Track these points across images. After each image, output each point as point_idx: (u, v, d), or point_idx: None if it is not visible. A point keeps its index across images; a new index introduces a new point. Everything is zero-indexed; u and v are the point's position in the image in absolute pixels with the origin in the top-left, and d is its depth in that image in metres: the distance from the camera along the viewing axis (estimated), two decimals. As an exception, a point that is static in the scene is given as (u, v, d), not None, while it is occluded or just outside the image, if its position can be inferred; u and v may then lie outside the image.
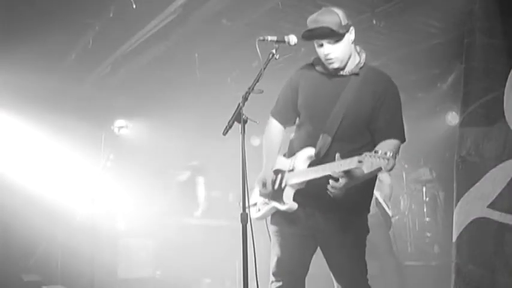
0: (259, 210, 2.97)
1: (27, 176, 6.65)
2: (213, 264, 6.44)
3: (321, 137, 2.76)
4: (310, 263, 2.94)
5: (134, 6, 4.77)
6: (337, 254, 2.84)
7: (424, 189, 7.16)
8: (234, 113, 2.53)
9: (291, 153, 2.93)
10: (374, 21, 5.19)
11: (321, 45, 2.75)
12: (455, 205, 3.22)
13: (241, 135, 2.51)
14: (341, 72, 2.83)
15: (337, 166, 2.49)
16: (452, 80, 6.88)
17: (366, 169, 2.37)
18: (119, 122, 7.36)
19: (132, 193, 7.15)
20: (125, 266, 6.85)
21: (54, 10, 5.05)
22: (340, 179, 2.51)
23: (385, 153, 2.31)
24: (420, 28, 5.82)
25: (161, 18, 5.24)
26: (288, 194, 2.81)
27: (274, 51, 2.70)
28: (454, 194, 3.24)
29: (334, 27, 2.68)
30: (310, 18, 2.74)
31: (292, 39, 2.73)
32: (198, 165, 7.08)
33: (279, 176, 2.86)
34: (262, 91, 2.59)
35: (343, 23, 2.72)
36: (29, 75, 6.32)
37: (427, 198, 7.12)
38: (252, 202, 3.04)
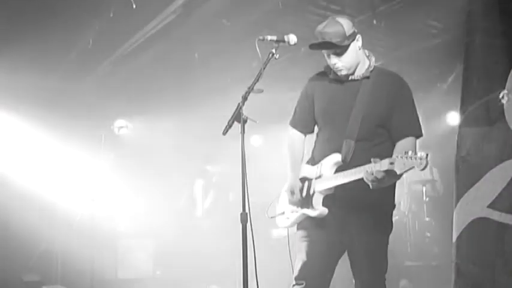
0: (288, 218, 3.03)
1: (27, 176, 6.65)
2: (213, 264, 6.44)
3: (344, 142, 2.84)
4: (335, 268, 2.99)
5: (134, 6, 4.77)
6: (362, 253, 2.89)
7: (424, 189, 7.16)
8: (234, 113, 2.53)
9: (314, 160, 3.00)
10: (374, 21, 5.20)
11: (328, 55, 2.86)
12: (455, 205, 3.22)
13: (241, 135, 2.51)
14: (352, 77, 2.91)
15: (369, 168, 2.57)
16: (452, 80, 6.88)
17: (399, 170, 2.47)
18: (119, 122, 7.36)
19: (132, 193, 7.15)
20: (125, 266, 6.85)
21: (54, 10, 5.05)
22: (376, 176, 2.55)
23: (416, 154, 2.43)
24: (420, 28, 5.82)
25: (161, 18, 5.25)
26: (318, 200, 2.88)
27: (274, 50, 2.70)
28: (454, 194, 3.23)
29: (338, 40, 2.76)
30: (317, 29, 2.83)
31: (292, 38, 2.73)
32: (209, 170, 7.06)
33: (306, 183, 2.94)
34: (262, 90, 2.60)
35: (347, 33, 2.79)
36: (29, 75, 6.32)
37: (427, 198, 7.11)
38: (279, 211, 3.11)
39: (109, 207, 6.67)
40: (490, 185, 3.10)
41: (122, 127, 7.22)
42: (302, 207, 2.92)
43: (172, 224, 7.01)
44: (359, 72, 2.91)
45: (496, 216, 3.04)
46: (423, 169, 2.45)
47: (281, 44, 2.72)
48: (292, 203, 2.99)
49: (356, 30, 2.86)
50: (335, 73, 2.93)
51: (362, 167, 2.63)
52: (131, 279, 6.79)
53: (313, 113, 3.03)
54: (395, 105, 2.86)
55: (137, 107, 7.61)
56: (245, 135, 2.54)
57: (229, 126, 2.54)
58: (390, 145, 2.89)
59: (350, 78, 2.91)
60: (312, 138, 3.14)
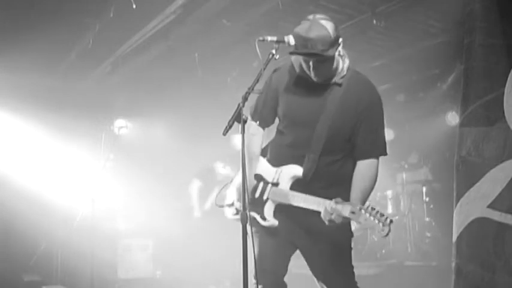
0: (236, 213, 2.91)
1: (27, 175, 6.65)
2: (213, 264, 6.44)
3: (307, 157, 2.73)
4: (288, 265, 2.92)
5: (134, 6, 4.77)
6: (321, 263, 2.83)
7: (424, 189, 7.16)
8: (234, 113, 2.52)
9: (271, 159, 2.90)
10: (374, 22, 5.20)
11: (306, 60, 2.68)
12: (455, 205, 3.22)
13: (241, 135, 2.51)
14: (324, 82, 2.76)
15: (330, 208, 2.53)
16: (452, 80, 6.88)
17: (357, 222, 2.46)
18: (119, 122, 7.35)
19: (132, 193, 7.15)
20: (125, 266, 6.85)
21: (54, 10, 5.06)
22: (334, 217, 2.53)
23: (383, 215, 2.39)
24: (420, 28, 5.82)
25: (161, 18, 5.25)
26: (270, 210, 2.79)
27: (274, 51, 2.68)
28: (454, 194, 3.23)
29: (323, 48, 2.57)
30: (299, 32, 2.60)
31: (292, 39, 2.72)
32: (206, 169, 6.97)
33: (261, 185, 2.85)
34: (262, 91, 2.59)
35: (332, 37, 2.60)
36: (29, 75, 6.33)
37: (427, 198, 7.12)
38: (228, 201, 3.00)
39: (109, 207, 6.67)
40: (490, 185, 3.10)
41: (122, 127, 7.20)
42: (252, 209, 2.77)
43: (172, 224, 7.00)
44: (332, 78, 2.75)
45: (496, 216, 3.04)
46: (385, 235, 2.41)
47: (281, 44, 2.70)
48: (238, 200, 2.88)
49: (338, 33, 2.67)
50: (306, 73, 2.75)
51: (322, 201, 2.58)
52: (131, 279, 6.78)
53: (275, 108, 2.89)
54: (363, 120, 2.71)
55: (137, 107, 7.62)
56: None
57: (230, 126, 2.52)
58: (351, 161, 2.78)
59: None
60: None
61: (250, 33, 5.56)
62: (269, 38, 2.67)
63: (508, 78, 3.14)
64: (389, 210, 7.07)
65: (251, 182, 2.86)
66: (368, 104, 2.74)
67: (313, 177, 2.73)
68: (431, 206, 7.09)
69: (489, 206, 3.08)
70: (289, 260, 2.92)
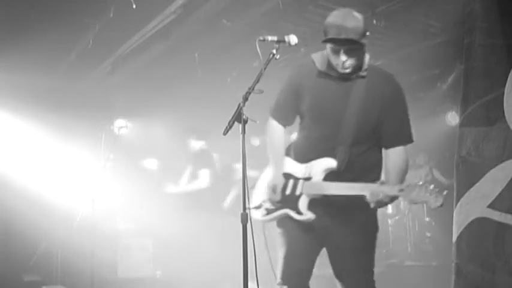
0: (267, 213, 2.90)
1: (27, 175, 6.65)
2: (213, 264, 6.44)
3: (339, 149, 2.75)
4: (313, 268, 2.92)
5: (134, 6, 4.77)
6: (347, 256, 2.82)
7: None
8: (235, 113, 2.52)
9: (299, 157, 2.89)
10: (374, 21, 5.20)
11: (337, 50, 2.69)
12: (455, 205, 3.23)
13: (241, 135, 2.51)
14: (348, 76, 2.77)
15: (377, 189, 2.56)
16: (452, 80, 6.89)
17: (409, 200, 2.52)
18: (119, 122, 7.35)
19: (132, 193, 7.15)
20: (125, 266, 6.85)
21: (54, 10, 5.05)
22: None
23: (435, 188, 2.47)
24: (420, 28, 5.82)
25: (161, 18, 5.25)
26: (304, 204, 2.78)
27: (274, 51, 2.68)
28: (454, 194, 3.24)
29: (357, 37, 2.63)
30: (333, 21, 2.65)
31: (293, 39, 2.71)
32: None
33: (291, 182, 2.84)
34: (263, 91, 2.58)
35: (363, 27, 2.67)
36: (29, 75, 6.33)
37: (427, 198, 7.11)
38: (255, 203, 2.98)
39: (109, 207, 6.67)
40: (490, 185, 3.10)
41: (122, 127, 7.20)
42: (285, 206, 2.81)
43: (172, 223, 7.00)
44: (356, 72, 2.77)
45: (496, 216, 3.05)
46: (440, 206, 2.49)
47: (281, 44, 2.70)
48: (272, 200, 2.86)
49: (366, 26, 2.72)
50: (330, 68, 2.77)
51: (365, 185, 2.61)
52: (131, 279, 6.78)
53: (296, 106, 2.89)
54: (389, 111, 2.76)
55: (137, 107, 7.62)
56: (245, 135, 2.53)
57: (230, 126, 2.52)
58: (378, 150, 2.85)
59: (342, 76, 2.76)
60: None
61: (250, 33, 5.56)
62: (270, 38, 2.67)
63: (508, 78, 3.15)
64: (390, 210, 7.07)
65: (280, 180, 2.85)
66: (392, 95, 2.79)
67: (346, 168, 2.74)
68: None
69: (489, 206, 3.09)
70: (315, 262, 2.92)
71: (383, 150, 2.86)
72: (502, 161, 3.09)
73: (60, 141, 6.84)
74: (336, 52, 2.69)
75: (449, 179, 7.14)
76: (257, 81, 2.61)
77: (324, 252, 2.95)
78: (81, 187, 6.32)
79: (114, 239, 6.90)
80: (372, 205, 2.59)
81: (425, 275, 5.68)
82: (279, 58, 2.65)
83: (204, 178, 6.18)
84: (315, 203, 2.77)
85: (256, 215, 2.93)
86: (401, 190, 2.50)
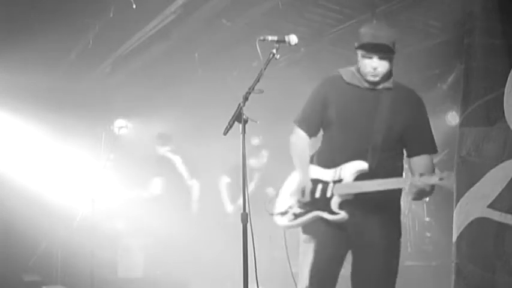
0: (294, 218, 2.98)
1: (27, 175, 6.65)
2: (214, 264, 6.44)
3: (370, 152, 2.87)
4: (340, 272, 2.99)
5: (134, 6, 4.77)
6: (374, 256, 2.88)
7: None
8: (235, 113, 2.52)
9: (324, 163, 2.99)
10: (374, 21, 5.20)
11: (370, 57, 2.86)
12: (455, 205, 3.22)
13: (241, 135, 2.51)
14: (375, 87, 2.93)
15: (417, 180, 2.68)
16: (452, 80, 6.87)
17: (450, 185, 2.69)
18: (119, 122, 7.34)
19: (132, 193, 7.14)
20: (125, 266, 6.84)
21: (54, 10, 5.06)
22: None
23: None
24: (420, 28, 5.82)
25: (161, 18, 5.25)
26: (336, 204, 2.87)
27: (274, 51, 2.68)
28: (454, 194, 3.24)
29: (391, 45, 2.87)
30: (366, 31, 2.87)
31: (293, 39, 2.72)
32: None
33: (320, 185, 2.92)
34: (263, 91, 2.59)
35: (394, 39, 2.91)
36: (29, 75, 6.33)
37: (427, 198, 7.11)
38: (280, 210, 3.06)
39: (109, 207, 6.67)
40: (490, 185, 3.10)
41: (121, 127, 7.20)
42: (316, 209, 2.90)
43: (172, 223, 7.00)
44: (383, 82, 2.93)
45: (496, 216, 3.05)
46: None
47: (281, 44, 2.71)
48: (301, 204, 2.95)
49: None
50: (356, 79, 2.94)
51: (402, 178, 2.82)
52: (131, 279, 6.78)
53: (322, 116, 3.01)
54: (413, 123, 2.93)
55: (137, 107, 7.61)
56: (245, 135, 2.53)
57: (230, 126, 2.53)
58: (400, 158, 3.00)
59: (372, 87, 2.93)
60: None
61: (250, 33, 5.56)
62: (270, 38, 2.68)
63: (508, 78, 3.15)
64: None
65: (308, 183, 2.95)
66: (417, 107, 2.99)
67: (376, 169, 2.85)
68: (432, 206, 7.09)
69: (489, 206, 3.09)
70: (341, 266, 3.00)
71: (408, 158, 3.01)
72: (502, 161, 3.08)
73: (60, 141, 6.84)
74: (368, 58, 2.87)
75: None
76: (257, 81, 2.62)
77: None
78: (81, 187, 6.32)
79: (114, 239, 6.90)
80: (412, 196, 2.73)
81: (425, 275, 5.67)
82: (279, 58, 2.65)
83: (156, 186, 6.65)
84: (347, 203, 2.87)
85: (282, 221, 3.03)
86: (441, 179, 2.60)
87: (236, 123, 2.52)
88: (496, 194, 3.07)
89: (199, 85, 7.14)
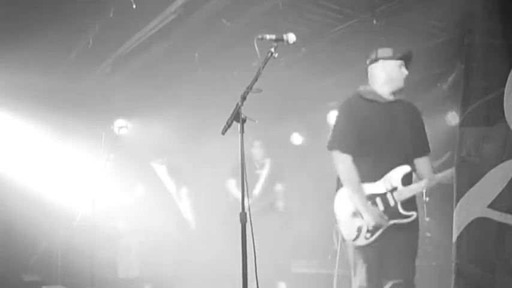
0: (371, 235, 3.26)
1: (27, 175, 6.65)
2: (214, 264, 6.44)
3: (404, 156, 3.34)
4: None
5: (134, 6, 4.77)
6: (408, 257, 3.42)
7: (424, 189, 7.13)
8: (233, 113, 2.52)
9: (367, 178, 3.28)
10: (374, 21, 5.19)
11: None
12: (455, 205, 3.22)
13: (240, 135, 2.51)
14: (391, 98, 3.37)
15: (441, 177, 3.36)
16: (452, 80, 6.87)
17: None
18: (119, 122, 7.34)
19: (132, 193, 7.15)
20: (125, 266, 6.84)
21: (54, 10, 5.05)
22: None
23: None
24: (420, 28, 5.81)
25: (161, 18, 5.25)
26: (402, 209, 3.31)
27: (273, 50, 2.68)
28: (454, 194, 3.23)
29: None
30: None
31: (291, 37, 2.72)
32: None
33: (378, 198, 3.28)
34: (261, 90, 2.59)
35: None
36: (29, 75, 6.32)
37: (427, 198, 7.11)
38: (355, 230, 3.29)
39: (109, 207, 6.67)
40: (490, 185, 3.10)
41: (122, 127, 7.20)
42: (391, 219, 3.26)
43: (173, 223, 7.00)
44: (398, 94, 3.39)
45: (496, 216, 3.04)
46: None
47: (280, 43, 2.70)
48: (384, 223, 3.25)
49: None
50: (374, 94, 3.33)
51: (427, 179, 3.37)
52: (131, 278, 6.78)
53: (357, 135, 3.26)
54: (418, 127, 3.47)
55: (137, 107, 7.61)
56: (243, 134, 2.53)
57: (229, 125, 2.53)
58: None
59: (389, 99, 3.35)
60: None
61: (250, 33, 5.54)
62: (268, 37, 2.68)
63: (508, 78, 3.14)
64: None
65: (373, 209, 3.26)
66: (418, 115, 3.54)
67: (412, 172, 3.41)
68: (432, 206, 7.09)
69: (489, 206, 3.09)
70: None
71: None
72: (502, 161, 3.08)
73: (60, 141, 6.83)
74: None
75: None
76: (255, 80, 2.62)
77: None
78: (81, 187, 6.32)
79: (114, 239, 6.90)
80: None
81: (425, 275, 5.67)
82: (277, 57, 2.65)
83: (138, 190, 6.96)
84: (405, 205, 3.33)
85: (359, 242, 3.28)
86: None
87: (235, 122, 2.52)
88: (496, 194, 3.06)
89: (199, 85, 7.14)
